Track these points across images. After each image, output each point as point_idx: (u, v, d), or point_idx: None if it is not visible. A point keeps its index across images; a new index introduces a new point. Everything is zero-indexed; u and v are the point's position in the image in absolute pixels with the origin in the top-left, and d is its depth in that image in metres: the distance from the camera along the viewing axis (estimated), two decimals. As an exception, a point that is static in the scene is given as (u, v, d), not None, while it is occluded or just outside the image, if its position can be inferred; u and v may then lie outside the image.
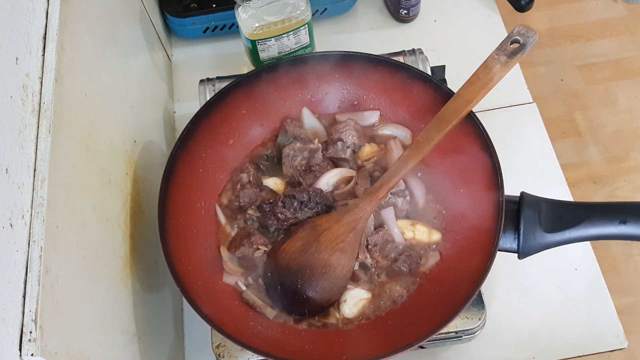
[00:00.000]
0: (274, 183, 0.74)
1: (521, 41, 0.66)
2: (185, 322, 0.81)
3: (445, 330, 0.63)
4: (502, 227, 0.63)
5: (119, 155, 0.69)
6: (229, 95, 0.75)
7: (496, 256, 0.62)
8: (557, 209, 0.64)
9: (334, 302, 0.69)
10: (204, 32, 1.02)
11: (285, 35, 0.88)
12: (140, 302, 0.67)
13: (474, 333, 0.69)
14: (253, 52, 0.90)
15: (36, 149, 0.50)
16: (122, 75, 0.75)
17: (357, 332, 0.67)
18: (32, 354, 0.43)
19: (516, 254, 0.65)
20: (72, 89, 0.57)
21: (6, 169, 0.46)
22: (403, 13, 1.02)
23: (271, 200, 0.71)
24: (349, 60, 0.77)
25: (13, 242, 0.45)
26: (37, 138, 0.51)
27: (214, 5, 1.00)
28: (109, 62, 0.71)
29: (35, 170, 0.49)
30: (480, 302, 0.69)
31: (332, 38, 1.02)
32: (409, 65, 0.76)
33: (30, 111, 0.51)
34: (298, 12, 0.86)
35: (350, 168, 0.75)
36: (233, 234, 0.73)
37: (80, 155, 0.58)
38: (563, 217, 0.63)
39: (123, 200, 0.68)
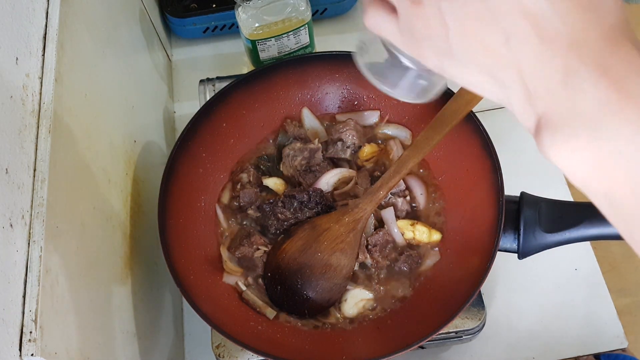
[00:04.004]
0: (274, 183, 0.74)
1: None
2: (185, 322, 0.81)
3: (445, 330, 0.63)
4: (502, 227, 0.63)
5: (119, 155, 0.69)
6: (229, 95, 0.75)
7: (496, 256, 0.62)
8: (557, 209, 0.64)
9: (334, 302, 0.69)
10: (204, 32, 1.02)
11: (285, 35, 0.88)
12: (140, 302, 0.67)
13: (474, 333, 0.69)
14: (253, 52, 0.90)
15: (36, 149, 0.50)
16: (122, 75, 0.75)
17: (357, 332, 0.67)
18: (32, 354, 0.43)
19: (516, 254, 0.65)
20: (72, 89, 0.57)
21: (6, 169, 0.46)
22: (403, 13, 1.01)
23: (271, 200, 0.71)
24: (349, 60, 0.77)
25: (13, 242, 0.45)
26: (37, 138, 0.51)
27: (214, 5, 1.00)
28: (109, 62, 0.71)
29: (35, 170, 0.49)
30: (480, 302, 0.69)
31: (332, 38, 1.02)
32: (409, 65, 0.76)
33: (30, 111, 0.51)
34: (298, 12, 0.86)
35: (350, 168, 0.75)
36: (233, 234, 0.73)
37: (80, 155, 0.58)
38: (563, 217, 0.63)
39: (123, 200, 0.68)
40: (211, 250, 0.72)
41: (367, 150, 0.76)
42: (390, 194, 0.72)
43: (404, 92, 0.40)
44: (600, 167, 0.29)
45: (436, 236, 0.71)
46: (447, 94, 0.71)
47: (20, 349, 0.43)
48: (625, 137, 0.28)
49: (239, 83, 0.76)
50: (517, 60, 0.31)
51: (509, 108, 0.34)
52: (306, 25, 0.88)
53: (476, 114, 0.69)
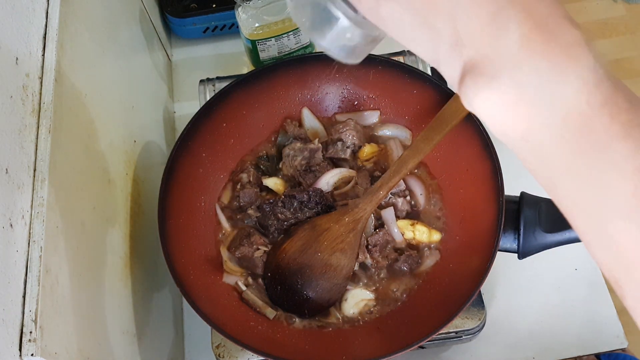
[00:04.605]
0: (274, 183, 0.74)
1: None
2: (185, 322, 0.81)
3: (445, 330, 0.63)
4: (502, 227, 0.63)
5: (119, 155, 0.69)
6: (229, 95, 0.75)
7: (496, 256, 0.62)
8: (557, 209, 0.64)
9: (334, 302, 0.69)
10: (204, 32, 1.02)
11: (285, 35, 0.88)
12: (140, 302, 0.67)
13: (474, 333, 0.69)
14: (253, 52, 0.90)
15: (36, 149, 0.50)
16: (122, 75, 0.75)
17: (357, 332, 0.67)
18: (32, 354, 0.43)
19: (516, 254, 0.65)
20: (72, 89, 0.57)
21: (6, 169, 0.46)
22: (403, 13, 1.01)
23: (271, 200, 0.71)
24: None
25: (13, 242, 0.45)
26: (37, 138, 0.51)
27: (214, 5, 1.00)
28: (109, 62, 0.71)
29: (35, 170, 0.49)
30: (480, 302, 0.69)
31: (332, 38, 1.02)
32: (409, 66, 0.76)
33: (30, 111, 0.51)
34: (298, 12, 0.86)
35: (350, 168, 0.75)
36: (233, 234, 0.73)
37: (80, 155, 0.58)
38: (563, 217, 0.63)
39: (123, 200, 0.68)
40: (211, 250, 0.72)
41: (367, 150, 0.76)
42: (390, 194, 0.72)
43: (332, 45, 0.40)
44: (519, 108, 0.30)
45: (436, 236, 0.71)
46: (447, 94, 0.72)
47: (20, 349, 0.43)
48: (542, 75, 0.29)
49: (239, 83, 0.76)
50: (452, 1, 0.32)
51: (434, 62, 0.34)
52: (306, 25, 0.88)
53: (476, 114, 0.69)
